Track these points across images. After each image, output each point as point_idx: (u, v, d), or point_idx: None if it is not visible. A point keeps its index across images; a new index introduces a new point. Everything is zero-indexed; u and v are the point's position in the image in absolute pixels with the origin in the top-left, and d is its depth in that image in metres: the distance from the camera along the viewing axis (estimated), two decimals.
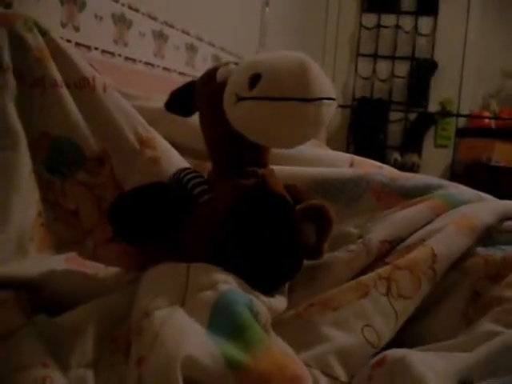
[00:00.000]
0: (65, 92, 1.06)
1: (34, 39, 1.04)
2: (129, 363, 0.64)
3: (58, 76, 1.05)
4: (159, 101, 1.23)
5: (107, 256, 0.97)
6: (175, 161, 1.11)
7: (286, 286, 0.89)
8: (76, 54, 1.12)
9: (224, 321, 0.67)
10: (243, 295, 0.73)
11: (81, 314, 0.74)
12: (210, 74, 0.92)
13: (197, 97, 0.95)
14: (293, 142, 0.86)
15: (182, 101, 0.98)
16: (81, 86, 1.08)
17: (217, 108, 0.86)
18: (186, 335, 0.63)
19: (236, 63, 0.89)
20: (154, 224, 0.88)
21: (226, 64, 0.90)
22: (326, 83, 0.76)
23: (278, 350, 0.66)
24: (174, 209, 0.88)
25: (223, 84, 0.85)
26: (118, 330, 0.73)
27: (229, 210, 0.83)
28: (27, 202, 0.94)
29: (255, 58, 0.81)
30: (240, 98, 0.78)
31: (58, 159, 1.05)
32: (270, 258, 0.83)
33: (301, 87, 0.73)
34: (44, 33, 1.07)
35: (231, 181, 0.88)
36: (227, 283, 0.74)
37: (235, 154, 0.91)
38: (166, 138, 1.18)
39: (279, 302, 0.82)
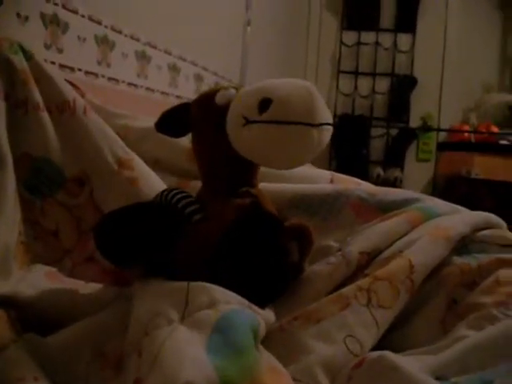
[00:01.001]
0: (46, 115, 1.08)
1: (20, 62, 1.07)
2: (124, 382, 0.65)
3: (40, 99, 1.08)
4: (146, 120, 1.25)
5: (85, 275, 0.99)
6: (153, 182, 1.13)
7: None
8: (59, 77, 1.14)
9: (224, 341, 0.68)
10: (247, 315, 0.74)
11: (71, 334, 0.75)
12: (209, 97, 0.94)
13: (192, 118, 0.96)
14: (294, 164, 0.90)
15: (173, 122, 0.99)
16: (62, 109, 1.10)
17: (216, 130, 0.89)
18: (185, 358, 0.64)
19: (235, 87, 0.92)
20: (143, 245, 0.88)
21: (226, 88, 0.92)
22: (326, 109, 0.83)
23: (269, 371, 0.68)
24: (163, 228, 0.88)
25: (224, 107, 0.88)
26: (108, 345, 0.74)
27: (227, 229, 0.85)
28: (11, 221, 0.96)
29: (264, 84, 0.84)
30: (249, 121, 0.81)
31: (38, 179, 1.07)
32: (264, 275, 0.87)
33: (308, 112, 0.79)
34: (29, 56, 1.09)
35: (226, 200, 0.90)
36: (228, 303, 0.75)
37: (231, 175, 0.94)
38: (152, 157, 1.21)
39: (270, 314, 0.84)
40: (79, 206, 1.09)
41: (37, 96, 1.08)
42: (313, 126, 0.79)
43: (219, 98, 0.91)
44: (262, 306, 0.85)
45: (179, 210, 0.89)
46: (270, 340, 0.81)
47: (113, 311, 0.81)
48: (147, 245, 0.87)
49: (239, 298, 0.79)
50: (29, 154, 1.06)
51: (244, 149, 0.86)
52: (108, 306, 0.85)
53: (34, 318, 0.81)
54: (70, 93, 1.13)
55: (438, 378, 0.64)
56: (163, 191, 0.94)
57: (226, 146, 0.88)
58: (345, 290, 0.89)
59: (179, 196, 0.91)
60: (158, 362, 0.63)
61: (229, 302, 0.76)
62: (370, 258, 0.99)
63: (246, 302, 0.79)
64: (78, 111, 1.12)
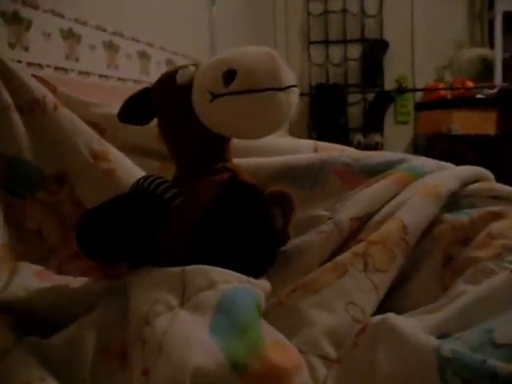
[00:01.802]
0: (16, 115, 1.06)
1: None
2: (130, 372, 0.64)
3: (9, 100, 1.05)
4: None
5: (72, 272, 0.98)
6: (131, 171, 1.12)
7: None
8: (27, 75, 1.12)
9: (228, 321, 0.68)
10: (248, 291, 0.75)
11: (72, 333, 0.74)
12: (169, 78, 0.92)
13: (155, 102, 0.95)
14: (267, 132, 0.89)
15: (136, 109, 0.97)
16: (32, 107, 1.08)
17: (182, 109, 0.88)
18: (191, 344, 0.64)
19: (194, 65, 0.91)
20: (126, 239, 0.87)
21: (186, 66, 0.91)
22: (290, 72, 0.82)
23: (275, 346, 0.68)
24: (144, 218, 0.87)
25: (186, 86, 0.87)
26: (111, 339, 0.74)
27: (208, 206, 0.84)
28: None
29: (224, 56, 0.84)
30: (216, 95, 0.80)
31: (15, 180, 1.05)
32: (253, 247, 0.87)
33: (273, 77, 0.79)
34: None
35: (203, 179, 0.89)
36: (228, 282, 0.75)
37: (203, 153, 0.92)
38: (132, 143, 1.19)
39: (266, 283, 0.84)
40: (60, 203, 1.07)
41: (5, 95, 1.05)
42: (280, 90, 0.79)
43: (180, 77, 0.89)
44: (259, 273, 0.86)
45: (158, 197, 0.88)
46: (271, 315, 0.81)
47: (111, 305, 0.80)
48: (130, 238, 0.86)
49: (237, 274, 0.78)
50: (3, 155, 1.05)
51: (214, 123, 0.86)
52: (101, 298, 0.84)
53: (29, 319, 0.80)
54: (39, 90, 1.11)
55: (440, 336, 0.64)
56: (139, 180, 0.93)
57: (195, 124, 0.87)
58: (340, 258, 0.89)
59: (156, 182, 0.90)
60: (163, 351, 0.63)
61: (228, 280, 0.76)
62: (362, 223, 0.99)
63: (244, 277, 0.79)
64: (49, 108, 1.10)
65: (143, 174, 1.11)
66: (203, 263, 0.79)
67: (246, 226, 0.87)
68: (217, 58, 0.85)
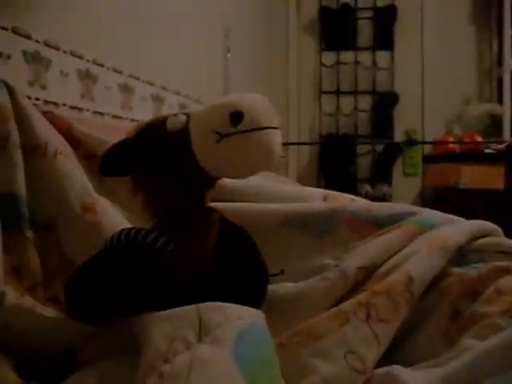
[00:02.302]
0: (20, 155, 1.07)
1: (2, 98, 1.06)
2: None
3: (16, 139, 1.07)
4: None
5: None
6: (117, 223, 1.12)
7: None
8: (37, 118, 1.14)
9: (251, 350, 0.68)
10: (263, 329, 0.74)
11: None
12: (158, 126, 0.92)
13: (139, 152, 0.93)
14: (264, 168, 0.92)
15: (118, 161, 0.95)
16: (35, 152, 1.10)
17: (174, 157, 0.90)
18: (218, 375, 0.64)
19: (183, 113, 0.92)
20: (119, 296, 0.85)
21: (175, 115, 0.92)
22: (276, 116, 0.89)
23: None
24: (139, 270, 0.85)
25: (178, 132, 0.88)
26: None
27: (216, 245, 0.89)
28: None
29: (225, 100, 0.88)
30: (223, 135, 0.83)
31: (7, 214, 1.03)
32: (255, 281, 0.91)
33: (270, 117, 0.85)
34: (11, 93, 1.09)
35: (196, 221, 0.93)
36: (241, 318, 0.74)
37: (192, 197, 0.94)
38: None
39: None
40: (48, 249, 1.07)
41: (15, 135, 1.07)
42: (274, 128, 0.86)
43: (171, 125, 0.90)
44: (259, 307, 0.86)
45: (147, 246, 0.85)
46: None
47: (119, 358, 0.78)
48: (123, 293, 0.85)
49: (249, 309, 0.78)
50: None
51: (217, 164, 0.88)
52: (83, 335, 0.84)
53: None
54: (43, 135, 1.13)
55: None
56: (120, 232, 0.89)
57: (189, 169, 0.88)
58: (343, 306, 0.89)
59: (143, 233, 0.87)
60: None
61: (241, 316, 0.75)
62: (368, 273, 0.99)
63: (255, 311, 0.78)
64: (49, 154, 1.11)
65: (126, 222, 1.12)
66: (212, 299, 0.78)
67: (244, 261, 0.91)
68: (215, 102, 0.88)
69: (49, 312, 0.91)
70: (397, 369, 0.66)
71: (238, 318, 0.74)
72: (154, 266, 0.85)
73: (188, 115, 0.91)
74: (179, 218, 0.94)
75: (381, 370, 0.69)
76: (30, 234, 1.06)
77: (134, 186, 0.95)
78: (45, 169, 1.11)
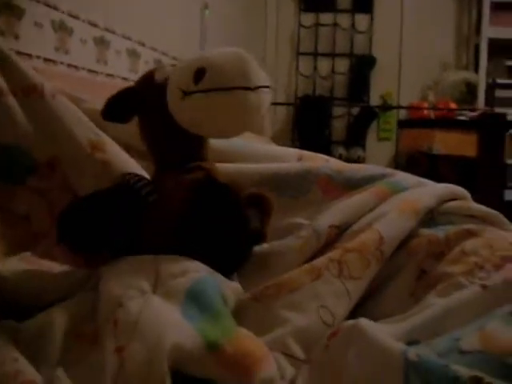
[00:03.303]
0: (10, 100, 1.06)
1: None
2: (101, 352, 0.65)
3: (2, 84, 1.05)
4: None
5: (57, 258, 0.98)
6: (125, 163, 1.13)
7: (235, 274, 0.94)
8: (23, 63, 1.12)
9: (199, 306, 0.71)
10: (214, 283, 0.77)
11: (46, 319, 0.75)
12: (148, 78, 0.95)
13: (135, 101, 0.96)
14: (237, 130, 0.92)
15: (119, 108, 0.98)
16: (28, 92, 1.08)
17: (158, 108, 0.90)
18: (166, 323, 0.66)
19: (173, 65, 0.94)
20: (105, 229, 0.89)
21: (163, 66, 0.95)
22: (261, 73, 0.85)
23: (245, 335, 0.71)
24: (121, 211, 0.89)
25: (162, 85, 0.89)
26: (82, 325, 0.74)
27: (183, 203, 0.87)
28: None
29: (197, 55, 0.87)
30: (186, 93, 0.83)
31: (7, 166, 1.05)
32: (225, 244, 0.89)
33: (242, 77, 0.82)
34: None
35: (179, 177, 0.91)
36: (198, 271, 0.78)
37: (178, 151, 0.95)
38: (120, 142, 1.20)
39: (239, 287, 0.86)
40: (52, 190, 1.08)
41: (3, 82, 1.05)
42: (248, 89, 0.82)
43: (157, 76, 0.92)
44: (228, 275, 0.87)
45: (136, 192, 0.90)
46: (243, 310, 0.83)
47: (87, 294, 0.81)
48: (109, 229, 0.89)
49: (208, 268, 0.81)
50: None
51: (185, 121, 0.88)
52: (79, 287, 0.85)
53: (5, 302, 0.81)
54: (37, 77, 1.12)
55: (409, 343, 0.66)
56: (121, 176, 0.96)
57: (170, 122, 0.89)
58: (316, 262, 0.91)
59: (135, 179, 0.92)
60: (138, 330, 0.65)
61: (198, 270, 0.79)
62: (340, 231, 1.01)
63: (214, 272, 0.81)
64: (47, 95, 1.10)
65: (137, 166, 1.13)
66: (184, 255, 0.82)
67: (218, 224, 0.89)
68: (190, 57, 0.88)
69: (44, 265, 0.92)
70: (363, 321, 0.68)
71: (193, 271, 0.78)
72: (137, 210, 0.89)
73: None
74: (164, 170, 0.95)
75: (348, 323, 0.72)
76: (32, 181, 1.06)
77: (140, 134, 0.99)
78: (44, 110, 1.10)
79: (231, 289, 0.82)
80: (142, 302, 0.70)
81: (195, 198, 0.88)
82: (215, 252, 0.87)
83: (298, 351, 0.76)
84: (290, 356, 0.75)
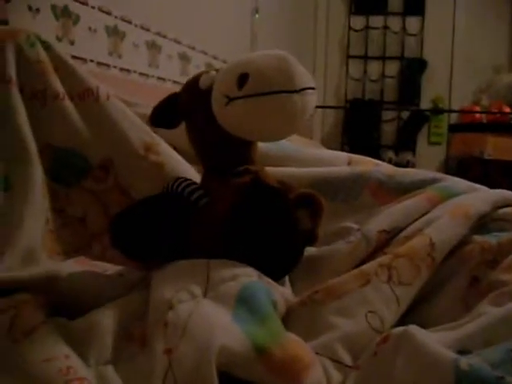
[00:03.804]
0: (67, 104, 1.09)
1: (36, 53, 1.07)
2: (150, 353, 0.66)
3: (60, 89, 1.08)
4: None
5: (114, 258, 1.00)
6: (179, 165, 1.14)
7: (287, 278, 0.93)
8: (78, 67, 1.15)
9: (249, 310, 0.71)
10: (264, 288, 0.77)
11: (96, 317, 0.76)
12: (193, 83, 0.95)
13: (182, 107, 0.97)
14: (283, 134, 0.92)
15: (165, 114, 0.99)
16: (84, 96, 1.10)
17: (205, 113, 0.90)
18: (215, 326, 0.67)
19: (217, 70, 0.93)
20: (155, 236, 0.89)
21: (207, 71, 0.94)
22: (306, 74, 0.83)
23: (293, 339, 0.71)
24: (172, 218, 0.90)
25: (208, 90, 0.89)
26: (133, 327, 0.76)
27: (231, 207, 0.87)
28: (39, 210, 0.97)
29: (239, 59, 0.86)
30: (231, 99, 0.83)
31: (62, 169, 1.08)
32: (275, 248, 0.87)
33: (286, 80, 0.80)
34: (47, 47, 1.10)
35: (227, 181, 0.92)
36: (248, 276, 0.79)
37: (226, 156, 0.95)
38: (171, 146, 1.21)
39: (289, 292, 0.86)
40: (106, 192, 1.10)
41: (57, 85, 1.08)
42: (293, 92, 0.81)
43: (202, 82, 0.92)
44: (281, 276, 0.88)
45: (185, 198, 0.91)
46: (291, 314, 0.83)
47: (138, 295, 0.82)
48: (160, 236, 0.89)
49: (258, 272, 0.82)
50: (50, 145, 1.07)
51: (231, 126, 0.88)
52: (132, 288, 0.86)
53: (59, 302, 0.82)
54: (92, 81, 1.14)
55: (460, 352, 0.65)
56: (171, 183, 0.96)
57: (217, 127, 0.89)
58: (365, 267, 0.90)
59: (183, 185, 0.93)
60: (187, 332, 0.66)
61: (249, 275, 0.79)
62: (390, 236, 1.00)
63: (265, 277, 0.82)
64: (102, 97, 1.13)
65: (190, 169, 1.15)
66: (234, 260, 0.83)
67: (270, 228, 0.88)
68: (232, 61, 0.87)
69: (98, 267, 0.94)
70: (413, 328, 0.67)
71: (244, 275, 0.78)
72: (187, 215, 0.89)
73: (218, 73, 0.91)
74: (213, 174, 0.96)
75: (397, 330, 0.71)
76: (86, 183, 1.09)
77: (188, 139, 1.00)
78: (98, 112, 1.12)
79: (281, 293, 0.82)
80: (192, 305, 0.71)
81: (243, 201, 0.88)
82: (265, 256, 0.86)
83: (345, 357, 0.75)
84: (337, 362, 0.74)
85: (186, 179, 0.95)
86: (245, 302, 0.73)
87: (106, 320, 0.74)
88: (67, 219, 1.06)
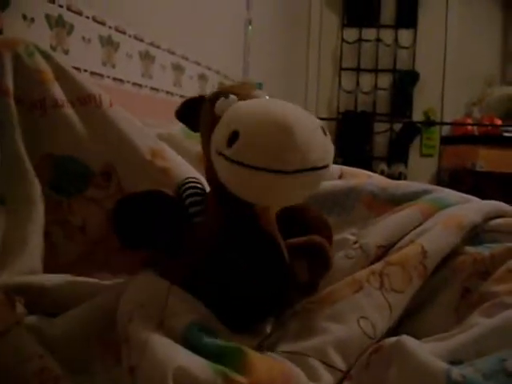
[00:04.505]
0: (68, 111, 1.08)
1: (35, 63, 1.07)
2: (122, 368, 0.66)
3: (59, 96, 1.08)
4: (164, 126, 1.26)
5: (119, 264, 0.99)
6: (185, 172, 1.13)
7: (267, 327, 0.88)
8: (80, 75, 1.15)
9: (198, 347, 0.68)
10: (210, 328, 0.74)
11: (69, 321, 0.76)
12: (213, 100, 0.84)
13: (202, 114, 0.88)
14: (278, 204, 0.84)
15: (189, 114, 0.91)
16: (85, 102, 1.10)
17: (208, 135, 0.81)
18: (177, 346, 0.65)
19: (239, 95, 0.81)
20: (150, 230, 0.87)
21: (227, 96, 0.81)
22: (312, 150, 0.69)
23: (257, 355, 0.68)
24: (169, 220, 0.87)
25: (218, 117, 0.78)
26: (108, 331, 0.75)
27: (216, 242, 0.82)
28: (39, 227, 0.97)
29: (238, 111, 0.74)
30: (219, 153, 0.72)
31: (63, 178, 1.07)
32: (256, 289, 0.82)
33: (278, 159, 0.67)
34: (47, 56, 1.10)
35: (222, 209, 0.84)
36: (199, 315, 0.75)
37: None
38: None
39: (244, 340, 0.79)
40: (108, 198, 1.09)
41: (56, 93, 1.08)
42: (286, 173, 0.67)
43: (217, 108, 0.80)
44: (248, 324, 0.83)
45: (185, 208, 0.88)
46: (285, 323, 0.83)
47: (112, 295, 0.81)
48: (155, 230, 0.86)
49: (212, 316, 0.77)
50: (51, 154, 1.07)
51: (219, 176, 0.76)
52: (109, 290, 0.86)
53: (44, 307, 0.82)
54: (94, 88, 1.14)
55: (452, 362, 0.65)
56: (180, 183, 0.92)
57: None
58: (358, 274, 0.90)
59: (188, 193, 0.89)
60: (148, 348, 0.64)
61: (202, 313, 0.75)
62: (386, 250, 1.00)
63: (216, 323, 0.77)
64: (104, 104, 1.12)
65: (195, 173, 1.12)
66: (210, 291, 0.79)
67: (250, 274, 0.81)
68: (233, 109, 0.75)
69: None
70: (405, 339, 0.67)
71: (195, 314, 0.74)
72: (180, 222, 0.86)
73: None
74: (214, 196, 0.88)
75: (389, 340, 0.71)
76: (88, 191, 1.09)
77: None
78: (101, 118, 1.11)
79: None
80: (148, 327, 0.69)
81: (226, 240, 0.82)
82: (245, 301, 0.81)
83: (338, 361, 0.75)
84: (328, 365, 0.74)
85: (194, 187, 0.90)
86: (192, 339, 0.69)
87: (79, 326, 0.74)
88: (69, 230, 1.05)
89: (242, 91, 0.82)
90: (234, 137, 0.68)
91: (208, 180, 0.90)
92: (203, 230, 0.85)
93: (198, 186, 0.92)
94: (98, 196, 1.09)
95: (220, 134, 0.72)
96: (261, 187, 0.70)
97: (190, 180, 0.92)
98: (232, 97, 0.79)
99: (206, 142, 0.80)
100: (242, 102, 0.76)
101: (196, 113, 0.88)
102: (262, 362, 0.66)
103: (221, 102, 0.80)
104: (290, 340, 0.78)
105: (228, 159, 0.69)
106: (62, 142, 1.08)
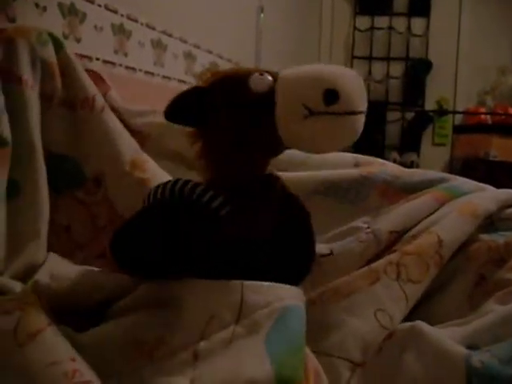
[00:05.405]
0: (69, 111, 1.08)
1: (47, 53, 1.06)
2: (158, 369, 0.66)
3: (63, 95, 1.08)
4: None
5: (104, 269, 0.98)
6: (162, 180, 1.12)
7: None
8: (82, 71, 1.14)
9: (282, 339, 0.69)
10: (297, 313, 0.75)
11: (101, 336, 0.74)
12: (239, 81, 0.83)
13: (215, 104, 0.84)
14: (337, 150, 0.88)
15: (186, 109, 0.86)
16: (83, 106, 1.10)
17: (249, 116, 0.82)
18: (244, 357, 0.66)
19: (269, 73, 0.82)
20: (169, 252, 0.79)
21: (262, 73, 0.82)
22: None
23: (314, 373, 0.70)
24: (192, 229, 0.80)
25: (264, 94, 0.80)
26: (142, 338, 0.73)
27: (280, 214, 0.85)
28: (47, 219, 0.98)
29: (319, 72, 0.79)
30: (313, 113, 0.76)
31: (54, 175, 1.05)
32: (301, 258, 0.87)
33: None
34: (59, 46, 1.10)
35: (262, 186, 0.87)
36: (282, 300, 0.75)
37: (249, 163, 0.86)
38: (174, 151, 1.20)
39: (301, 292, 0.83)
40: (95, 205, 1.09)
41: (62, 90, 1.08)
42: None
43: (256, 84, 0.81)
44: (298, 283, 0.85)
45: (204, 206, 0.81)
46: None
47: (146, 313, 0.77)
48: (173, 250, 0.79)
49: (290, 290, 0.78)
50: (48, 150, 1.06)
51: (303, 140, 0.80)
52: (126, 290, 0.82)
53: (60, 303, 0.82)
54: (91, 89, 1.13)
55: (469, 348, 0.65)
56: (173, 184, 0.84)
57: (266, 134, 0.81)
58: (374, 265, 0.90)
59: (199, 189, 0.82)
60: (214, 363, 0.65)
61: (282, 298, 0.75)
62: (399, 236, 1.00)
63: (296, 292, 0.79)
64: (96, 108, 1.11)
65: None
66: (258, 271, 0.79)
67: (297, 236, 0.86)
68: (309, 72, 0.80)
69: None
70: (420, 324, 0.68)
71: (277, 301, 0.74)
72: (207, 225, 0.80)
73: (275, 77, 0.81)
74: (239, 181, 0.86)
75: (403, 325, 0.71)
76: (79, 192, 1.08)
77: (196, 136, 0.87)
78: (94, 123, 1.11)
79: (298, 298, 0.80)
80: (224, 336, 0.70)
81: (287, 213, 0.86)
82: (292, 264, 0.85)
83: (356, 355, 0.75)
84: (348, 360, 0.75)
85: (195, 182, 0.84)
86: (278, 331, 0.71)
87: (112, 343, 0.73)
88: (53, 226, 1.04)
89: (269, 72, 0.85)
90: (331, 95, 0.75)
91: (220, 162, 0.87)
92: (253, 215, 0.84)
93: (193, 180, 0.85)
94: (87, 200, 1.09)
95: (309, 97, 0.77)
96: (355, 128, 0.78)
97: (182, 180, 0.86)
98: (266, 75, 0.82)
99: (235, 125, 0.83)
100: (294, 70, 0.81)
101: (193, 106, 0.85)
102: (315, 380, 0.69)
103: (257, 80, 0.81)
104: (309, 338, 0.75)
105: (333, 114, 0.75)
106: (60, 140, 1.08)
